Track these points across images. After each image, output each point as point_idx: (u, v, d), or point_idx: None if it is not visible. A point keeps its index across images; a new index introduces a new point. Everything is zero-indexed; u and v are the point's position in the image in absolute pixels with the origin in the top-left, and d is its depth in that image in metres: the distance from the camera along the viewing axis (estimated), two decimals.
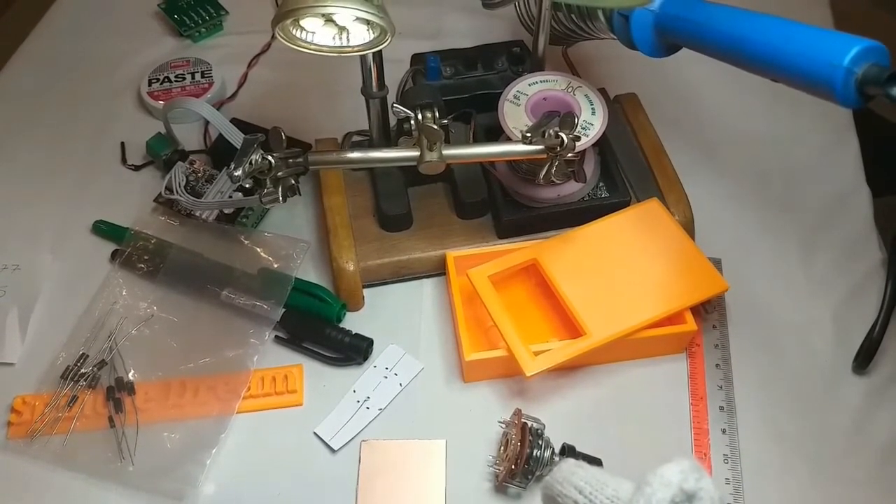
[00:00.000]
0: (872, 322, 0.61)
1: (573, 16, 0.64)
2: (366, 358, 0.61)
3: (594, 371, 0.60)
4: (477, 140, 0.68)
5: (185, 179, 0.69)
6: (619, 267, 0.61)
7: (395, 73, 0.72)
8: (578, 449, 0.55)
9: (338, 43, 0.51)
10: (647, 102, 0.73)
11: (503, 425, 0.55)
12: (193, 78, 0.79)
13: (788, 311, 0.64)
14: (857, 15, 1.05)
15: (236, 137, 0.69)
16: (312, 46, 0.51)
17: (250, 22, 0.87)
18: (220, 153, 0.73)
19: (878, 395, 0.59)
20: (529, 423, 0.53)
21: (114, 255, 0.67)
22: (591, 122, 0.61)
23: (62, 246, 0.69)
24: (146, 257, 0.66)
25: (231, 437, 0.57)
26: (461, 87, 0.70)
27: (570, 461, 0.41)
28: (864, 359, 0.60)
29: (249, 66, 0.83)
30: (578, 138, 0.57)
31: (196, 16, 0.86)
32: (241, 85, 0.81)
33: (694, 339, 0.61)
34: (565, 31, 0.67)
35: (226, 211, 0.68)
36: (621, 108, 0.73)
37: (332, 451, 0.57)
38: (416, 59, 0.73)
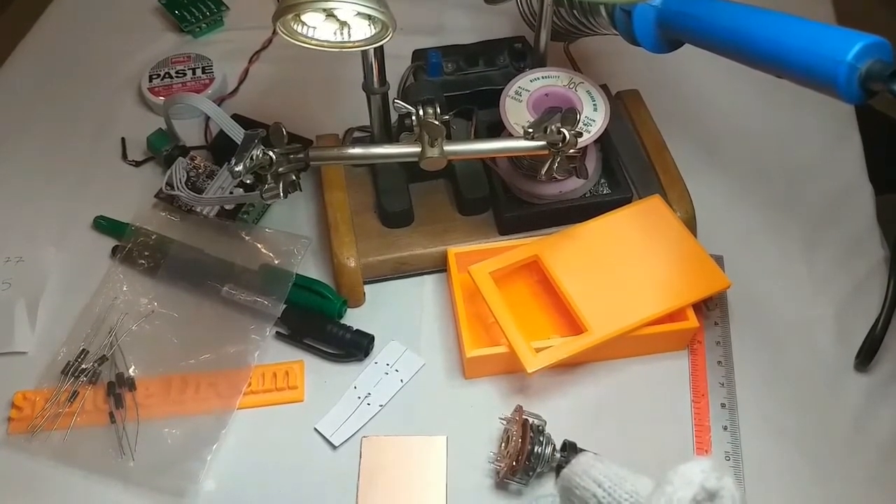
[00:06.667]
0: (874, 319, 0.61)
1: (575, 11, 0.64)
2: (367, 354, 0.61)
3: (595, 368, 0.60)
4: (478, 136, 0.68)
5: (185, 175, 0.69)
6: (620, 264, 0.61)
7: (397, 68, 0.72)
8: (580, 445, 0.55)
9: (339, 38, 0.51)
10: (649, 99, 0.73)
11: (504, 422, 0.55)
12: (194, 74, 0.79)
13: (790, 309, 0.64)
14: (858, 12, 1.05)
15: (237, 133, 0.69)
16: (314, 42, 0.51)
17: (251, 17, 0.87)
18: (220, 149, 0.73)
19: (879, 393, 0.59)
20: (530, 420, 0.53)
21: (114, 250, 0.67)
22: (593, 119, 0.61)
23: (63, 241, 0.69)
24: (147, 253, 0.66)
25: (232, 433, 0.57)
26: (463, 83, 0.70)
27: (589, 454, 0.41)
28: (867, 356, 0.60)
29: (250, 61, 0.83)
30: (580, 134, 0.57)
31: (197, 11, 0.86)
32: (241, 81, 0.81)
33: (696, 336, 0.61)
34: (567, 27, 0.67)
35: (227, 207, 0.68)
36: (623, 105, 0.73)
37: (333, 447, 0.57)
38: (418, 54, 0.73)
